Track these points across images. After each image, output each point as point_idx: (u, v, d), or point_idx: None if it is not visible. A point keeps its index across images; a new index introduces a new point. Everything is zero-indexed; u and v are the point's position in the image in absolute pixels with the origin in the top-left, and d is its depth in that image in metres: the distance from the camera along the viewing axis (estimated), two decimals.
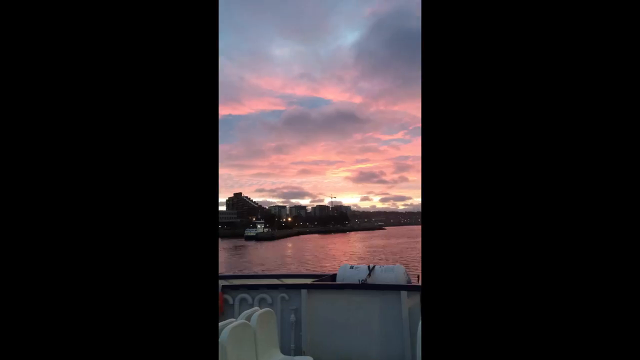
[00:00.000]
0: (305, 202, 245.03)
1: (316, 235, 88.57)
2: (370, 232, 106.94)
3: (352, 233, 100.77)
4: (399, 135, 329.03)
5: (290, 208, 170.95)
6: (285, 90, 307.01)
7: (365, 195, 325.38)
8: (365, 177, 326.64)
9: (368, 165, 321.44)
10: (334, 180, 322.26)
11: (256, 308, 3.11)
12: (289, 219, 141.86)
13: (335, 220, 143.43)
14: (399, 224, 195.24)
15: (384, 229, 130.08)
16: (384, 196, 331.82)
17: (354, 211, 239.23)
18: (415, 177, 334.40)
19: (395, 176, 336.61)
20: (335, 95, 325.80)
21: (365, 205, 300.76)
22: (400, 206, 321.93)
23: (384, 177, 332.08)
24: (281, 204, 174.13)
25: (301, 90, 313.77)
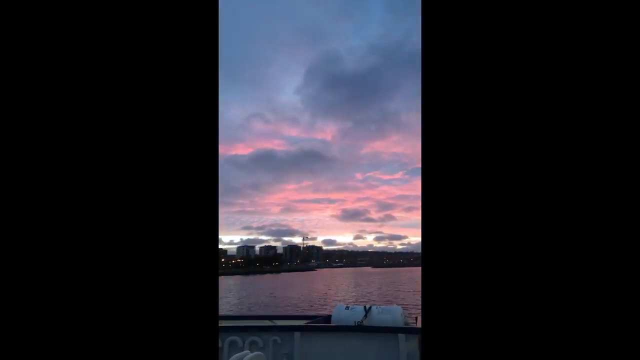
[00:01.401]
0: (297, 240, 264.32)
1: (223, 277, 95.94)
2: (300, 272, 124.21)
3: (282, 274, 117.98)
4: (376, 173, 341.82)
5: (260, 248, 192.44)
6: (245, 129, 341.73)
7: (358, 233, 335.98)
8: (349, 216, 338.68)
9: (352, 206, 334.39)
10: (325, 219, 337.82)
11: (246, 352, 2.88)
12: (237, 261, 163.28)
13: (261, 262, 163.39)
14: (382, 265, 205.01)
15: (315, 270, 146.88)
16: (378, 234, 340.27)
17: (342, 250, 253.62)
18: (402, 215, 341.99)
19: (381, 214, 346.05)
20: (296, 135, 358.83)
21: (362, 244, 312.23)
22: (398, 245, 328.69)
23: (369, 215, 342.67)
24: (250, 245, 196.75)
25: (260, 129, 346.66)
